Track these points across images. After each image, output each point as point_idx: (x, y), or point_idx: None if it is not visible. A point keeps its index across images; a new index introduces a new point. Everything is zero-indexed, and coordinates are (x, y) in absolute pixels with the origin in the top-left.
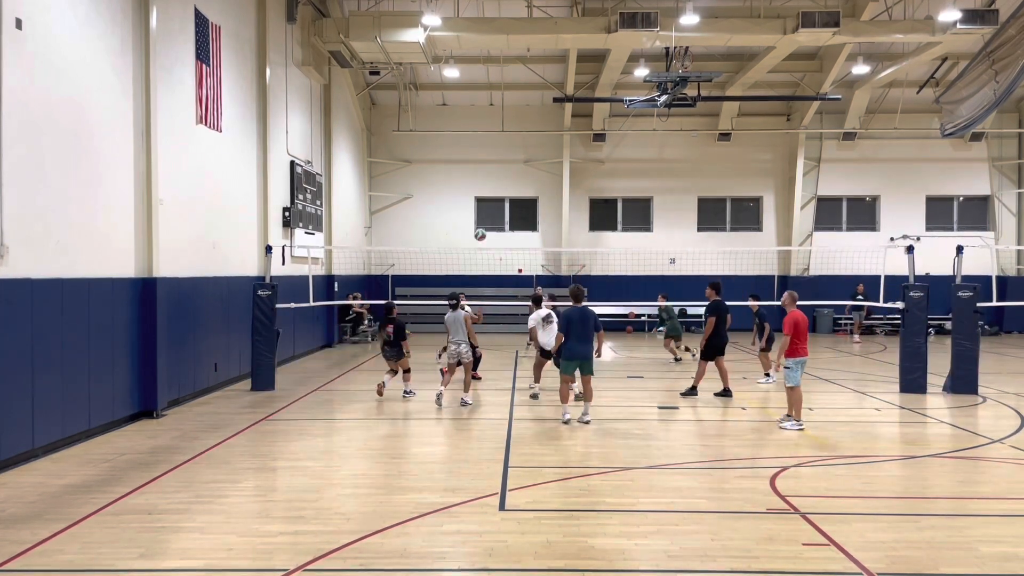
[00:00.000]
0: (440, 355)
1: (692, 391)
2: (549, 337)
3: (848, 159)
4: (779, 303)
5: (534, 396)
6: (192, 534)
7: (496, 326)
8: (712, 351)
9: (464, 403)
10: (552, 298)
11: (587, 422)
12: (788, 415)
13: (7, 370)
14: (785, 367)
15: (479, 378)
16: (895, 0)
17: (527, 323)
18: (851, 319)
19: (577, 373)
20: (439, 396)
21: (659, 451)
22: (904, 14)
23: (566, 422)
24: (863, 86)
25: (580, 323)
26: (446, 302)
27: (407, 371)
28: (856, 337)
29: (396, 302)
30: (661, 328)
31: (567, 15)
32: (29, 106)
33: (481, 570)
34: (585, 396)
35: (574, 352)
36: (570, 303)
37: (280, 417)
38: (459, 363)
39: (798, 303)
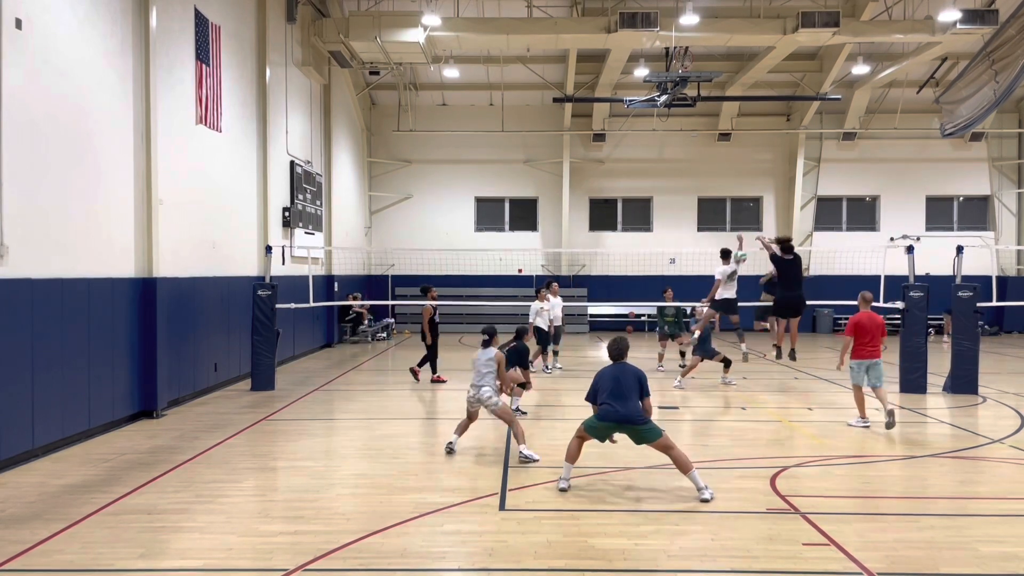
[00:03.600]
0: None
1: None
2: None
3: (848, 159)
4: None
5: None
6: (192, 534)
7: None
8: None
9: (526, 457)
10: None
11: (705, 500)
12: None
13: (7, 370)
14: (849, 367)
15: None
16: (895, 0)
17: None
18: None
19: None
20: (450, 445)
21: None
22: (904, 14)
23: (563, 489)
24: (863, 86)
25: (612, 380)
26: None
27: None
28: (945, 338)
29: (396, 302)
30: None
31: (567, 15)
32: (29, 106)
33: (481, 570)
34: (679, 466)
35: (607, 413)
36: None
37: (280, 417)
38: (479, 411)
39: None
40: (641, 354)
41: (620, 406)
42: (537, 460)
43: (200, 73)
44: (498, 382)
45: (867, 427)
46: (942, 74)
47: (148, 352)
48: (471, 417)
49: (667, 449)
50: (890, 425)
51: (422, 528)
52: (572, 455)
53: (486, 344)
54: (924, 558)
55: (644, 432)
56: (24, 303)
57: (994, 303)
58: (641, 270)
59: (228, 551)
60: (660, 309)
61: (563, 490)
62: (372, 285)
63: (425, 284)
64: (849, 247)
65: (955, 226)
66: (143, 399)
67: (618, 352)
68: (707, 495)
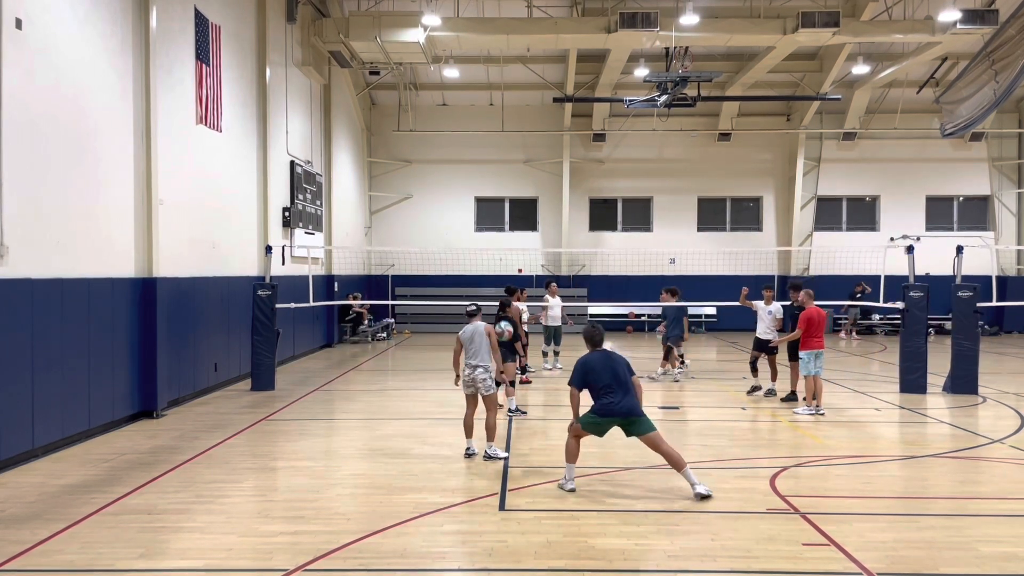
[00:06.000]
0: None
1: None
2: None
3: (848, 159)
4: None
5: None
6: (192, 534)
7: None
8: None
9: (488, 456)
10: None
11: (703, 496)
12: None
13: (7, 370)
14: (799, 358)
15: (528, 381)
16: (895, 0)
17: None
18: (845, 317)
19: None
20: (468, 451)
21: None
22: (904, 14)
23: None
24: (863, 86)
25: (609, 371)
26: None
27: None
28: (853, 334)
29: (396, 302)
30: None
31: (567, 15)
32: (29, 106)
33: (481, 570)
34: (672, 463)
35: (610, 408)
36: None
37: (280, 417)
38: (477, 394)
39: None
40: (641, 354)
41: (623, 399)
42: (505, 457)
43: (200, 73)
44: (492, 364)
45: (822, 415)
46: (942, 74)
47: (148, 352)
48: (471, 404)
49: (656, 446)
50: (821, 414)
51: (422, 528)
52: (573, 454)
53: (472, 315)
54: (924, 558)
55: (640, 424)
56: (24, 303)
57: (994, 303)
58: (641, 270)
59: (228, 551)
60: (664, 309)
61: (571, 491)
62: (372, 285)
63: (510, 285)
64: (849, 247)
65: (955, 226)
66: (143, 399)
67: (601, 338)
68: (702, 489)
